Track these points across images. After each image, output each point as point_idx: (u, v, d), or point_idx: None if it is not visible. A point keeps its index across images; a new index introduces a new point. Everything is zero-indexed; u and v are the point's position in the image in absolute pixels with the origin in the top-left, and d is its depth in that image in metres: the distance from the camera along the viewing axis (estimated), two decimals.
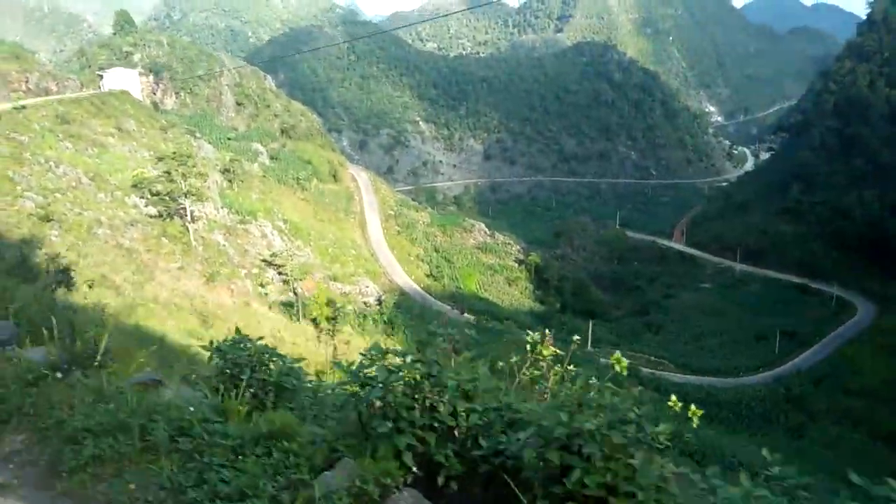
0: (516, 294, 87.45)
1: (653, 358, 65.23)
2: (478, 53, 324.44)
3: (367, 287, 64.52)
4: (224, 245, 58.99)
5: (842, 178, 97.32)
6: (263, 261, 60.39)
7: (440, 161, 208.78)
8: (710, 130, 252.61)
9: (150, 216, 54.63)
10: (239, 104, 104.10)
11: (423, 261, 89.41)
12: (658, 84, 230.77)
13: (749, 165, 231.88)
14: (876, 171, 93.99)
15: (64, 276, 21.02)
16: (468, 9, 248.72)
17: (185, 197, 53.70)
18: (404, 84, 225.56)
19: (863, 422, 48.13)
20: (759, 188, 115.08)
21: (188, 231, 55.52)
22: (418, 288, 78.26)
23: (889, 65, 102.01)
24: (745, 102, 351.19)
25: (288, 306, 50.95)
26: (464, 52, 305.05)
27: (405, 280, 79.17)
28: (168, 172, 53.76)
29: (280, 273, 58.92)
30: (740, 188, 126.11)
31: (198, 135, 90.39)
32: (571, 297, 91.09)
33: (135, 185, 55.44)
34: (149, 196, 55.24)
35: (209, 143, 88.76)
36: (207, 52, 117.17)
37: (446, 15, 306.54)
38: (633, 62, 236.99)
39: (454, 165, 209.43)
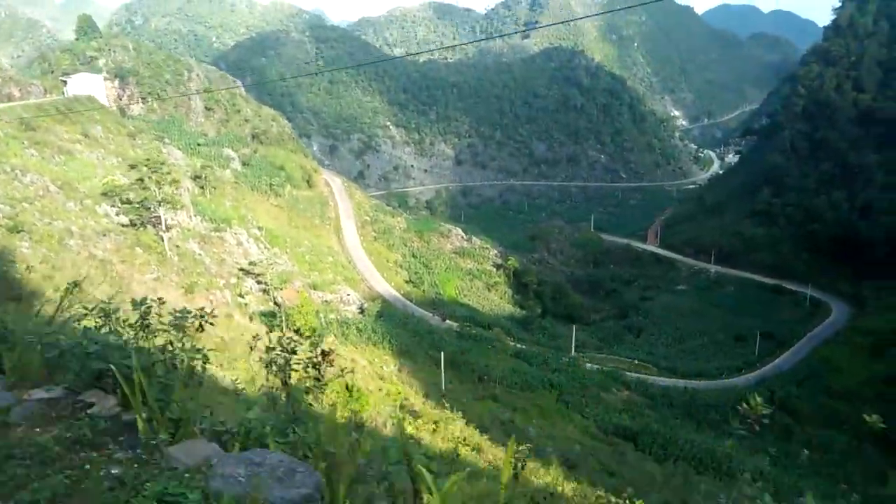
0: (496, 299, 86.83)
1: (636, 361, 65.09)
2: (446, 59, 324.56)
3: (349, 295, 63.18)
4: (200, 254, 57.12)
5: (811, 180, 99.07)
6: (241, 270, 58.65)
7: (411, 166, 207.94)
8: (677, 134, 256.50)
9: (122, 225, 52.64)
10: (208, 109, 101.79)
11: (401, 267, 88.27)
12: (625, 89, 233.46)
13: (715, 168, 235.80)
14: (844, 174, 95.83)
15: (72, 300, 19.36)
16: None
17: (160, 205, 51.86)
18: (374, 89, 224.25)
19: (847, 423, 48.40)
20: (730, 191, 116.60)
21: (162, 240, 53.65)
22: (398, 295, 77.08)
23: (855, 69, 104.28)
24: (709, 107, 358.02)
25: (269, 316, 49.35)
26: (431, 58, 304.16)
27: (385, 287, 77.92)
28: (141, 180, 51.91)
29: (259, 282, 57.26)
30: (711, 191, 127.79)
31: (167, 141, 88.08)
32: (551, 302, 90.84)
33: (105, 194, 53.40)
34: (119, 204, 53.32)
35: (179, 149, 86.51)
36: (175, 56, 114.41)
37: None
38: (600, 67, 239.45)
39: (425, 170, 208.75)
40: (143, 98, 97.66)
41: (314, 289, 61.74)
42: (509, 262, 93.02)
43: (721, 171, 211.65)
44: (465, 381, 49.14)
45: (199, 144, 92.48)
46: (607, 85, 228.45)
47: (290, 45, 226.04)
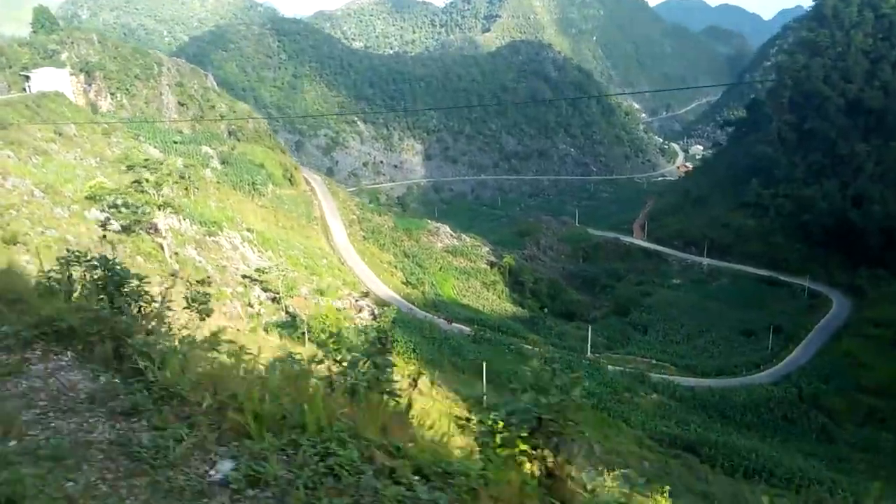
0: (493, 298, 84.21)
1: (654, 361, 63.32)
2: (406, 53, 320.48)
3: (358, 301, 59.59)
4: (200, 261, 52.79)
5: (801, 170, 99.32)
6: (246, 277, 54.58)
7: (381, 162, 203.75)
8: (641, 127, 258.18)
9: (115, 231, 48.17)
10: (181, 105, 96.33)
11: (396, 267, 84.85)
12: (592, 82, 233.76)
13: (680, 160, 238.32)
14: (834, 164, 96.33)
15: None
16: None
17: (160, 209, 47.47)
18: (339, 83, 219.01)
19: (888, 421, 47.41)
20: (715, 183, 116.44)
21: (162, 248, 49.30)
22: (399, 297, 73.67)
23: (842, 59, 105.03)
24: (666, 100, 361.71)
25: (287, 328, 45.55)
26: (390, 52, 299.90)
27: (384, 290, 74.40)
28: (138, 182, 47.42)
29: (266, 290, 53.28)
30: (694, 183, 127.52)
31: (141, 139, 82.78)
32: (548, 300, 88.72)
33: (91, 198, 48.74)
34: (108, 209, 48.76)
35: (155, 147, 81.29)
36: (142, 50, 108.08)
37: None
38: (567, 60, 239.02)
39: (395, 166, 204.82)
40: (111, 93, 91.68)
41: (321, 295, 57.97)
42: (505, 260, 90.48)
43: (698, 163, 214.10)
44: (499, 392, 46.32)
45: (175, 142, 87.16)
46: (575, 78, 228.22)
47: (251, 39, 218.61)
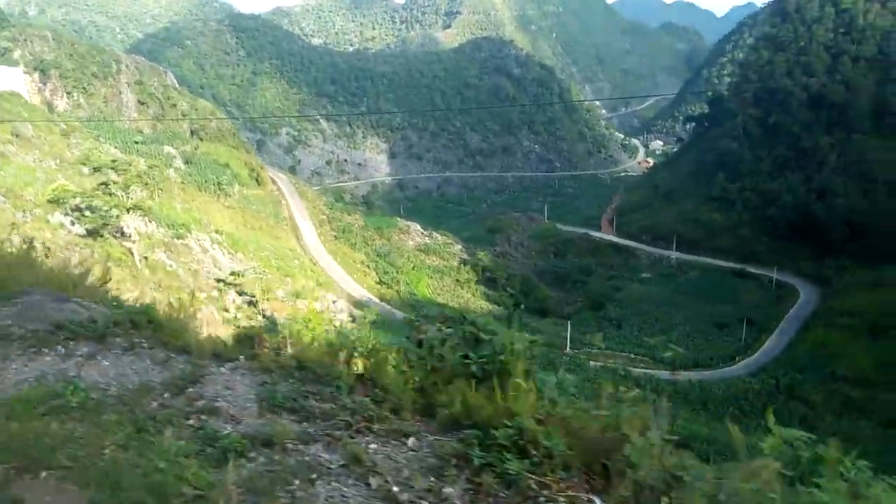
0: (468, 296, 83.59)
1: (632, 356, 63.51)
2: (367, 50, 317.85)
3: (335, 303, 58.29)
4: (171, 265, 50.84)
5: (766, 164, 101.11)
6: (220, 281, 52.69)
7: (344, 160, 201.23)
8: (602, 123, 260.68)
9: (80, 236, 46.07)
10: (141, 103, 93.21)
11: (369, 267, 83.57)
12: (555, 78, 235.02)
13: (641, 155, 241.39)
14: (798, 157, 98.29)
15: None
16: None
17: (129, 212, 45.46)
18: (300, 81, 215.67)
19: (866, 410, 48.23)
20: (682, 178, 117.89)
21: (132, 253, 47.26)
22: (374, 297, 72.58)
23: (805, 54, 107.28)
24: (624, 95, 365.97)
25: (268, 332, 43.96)
26: (350, 49, 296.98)
27: (358, 290, 73.21)
28: (105, 184, 45.40)
29: (241, 293, 51.56)
30: (661, 178, 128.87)
31: (101, 139, 79.80)
32: (521, 296, 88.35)
33: (54, 201, 46.53)
34: (71, 212, 46.70)
35: (115, 147, 78.45)
36: (100, 47, 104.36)
37: None
38: (530, 57, 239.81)
39: (359, 164, 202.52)
40: (67, 93, 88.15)
41: (297, 297, 56.46)
42: (478, 257, 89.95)
43: (660, 158, 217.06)
44: None
45: (136, 142, 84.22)
46: (537, 75, 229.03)
47: (208, 36, 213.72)
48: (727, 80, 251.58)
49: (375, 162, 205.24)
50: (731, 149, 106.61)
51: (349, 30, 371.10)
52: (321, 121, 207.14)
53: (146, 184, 45.45)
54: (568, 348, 63.85)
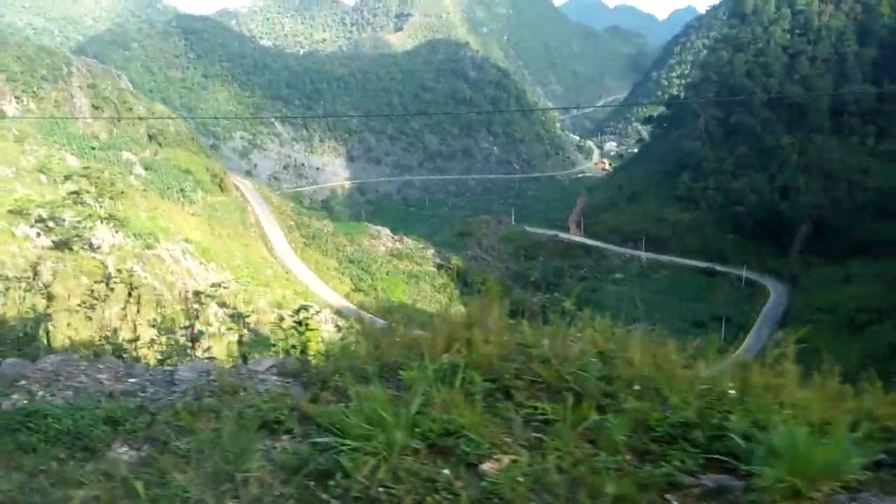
0: (446, 302, 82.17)
1: None
2: (318, 52, 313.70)
3: (319, 313, 56.02)
4: (146, 278, 47.93)
5: (729, 164, 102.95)
6: (198, 293, 49.95)
7: (302, 164, 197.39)
8: (557, 124, 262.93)
9: (48, 248, 43.02)
10: (95, 108, 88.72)
11: (343, 274, 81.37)
12: (511, 81, 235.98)
13: (596, 157, 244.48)
14: (760, 156, 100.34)
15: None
16: None
17: (104, 223, 42.59)
18: (253, 83, 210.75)
19: None
20: (645, 178, 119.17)
21: (106, 265, 44.26)
22: (352, 306, 70.48)
23: (763, 54, 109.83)
24: (576, 98, 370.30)
25: (258, 346, 41.74)
26: (301, 51, 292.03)
27: (335, 298, 71.02)
28: (77, 193, 42.44)
29: (222, 306, 48.95)
30: (626, 178, 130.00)
31: (56, 145, 75.47)
32: (497, 301, 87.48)
33: (15, 211, 43.37)
34: (35, 223, 43.62)
35: (72, 154, 74.32)
36: (49, 49, 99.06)
37: None
38: (486, 59, 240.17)
39: (317, 168, 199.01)
40: (15, 97, 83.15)
41: (279, 308, 54.13)
42: (453, 262, 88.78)
43: (617, 160, 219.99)
44: None
45: (93, 148, 79.91)
46: (494, 77, 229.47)
47: (155, 38, 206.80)
48: (677, 81, 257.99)
49: (334, 166, 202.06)
50: (694, 149, 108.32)
51: (298, 32, 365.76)
52: (276, 124, 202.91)
53: (122, 192, 42.61)
54: None
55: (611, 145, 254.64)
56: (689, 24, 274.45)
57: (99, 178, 41.46)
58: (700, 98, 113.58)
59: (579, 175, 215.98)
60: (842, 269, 79.88)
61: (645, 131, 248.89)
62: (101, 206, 43.16)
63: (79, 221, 41.03)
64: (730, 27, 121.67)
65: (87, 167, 42.40)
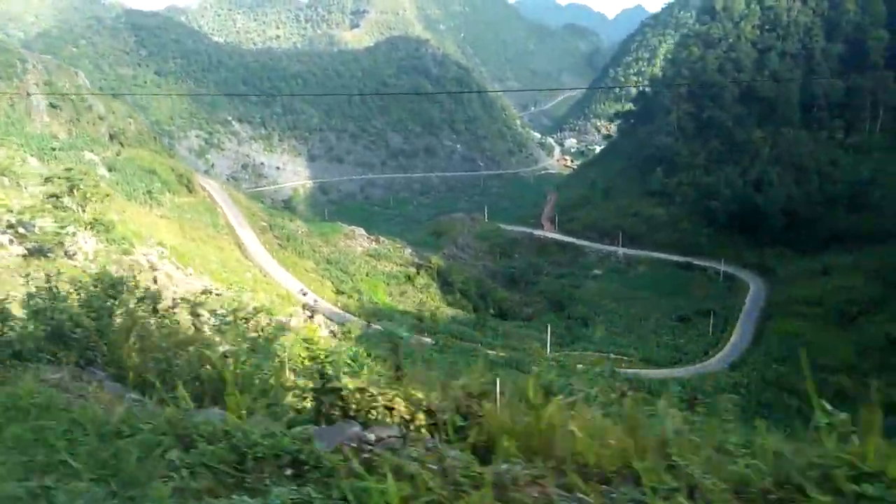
0: (429, 302, 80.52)
1: (612, 356, 62.55)
2: (274, 49, 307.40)
3: (312, 317, 53.72)
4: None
5: (701, 158, 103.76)
6: (184, 300, 47.10)
7: (261, 163, 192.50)
8: (518, 122, 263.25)
9: (21, 256, 39.87)
10: (53, 107, 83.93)
11: (322, 276, 78.81)
12: (472, 78, 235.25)
13: (558, 153, 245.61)
14: (732, 150, 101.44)
15: None
16: None
17: (87, 229, 39.57)
18: (208, 80, 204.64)
19: (860, 399, 48.77)
20: (617, 174, 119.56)
21: (88, 273, 41.22)
22: (336, 309, 68.23)
23: (734, 50, 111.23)
24: (534, 95, 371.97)
25: (259, 355, 39.35)
26: (268, 46, 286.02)
27: (319, 302, 68.51)
28: (56, 196, 39.34)
29: (214, 313, 46.29)
30: (593, 175, 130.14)
31: (14, 146, 70.91)
32: (479, 300, 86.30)
33: None
34: (6, 229, 40.43)
35: (31, 155, 70.00)
36: (1, 43, 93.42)
37: None
38: (447, 56, 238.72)
39: (277, 167, 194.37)
40: None
41: (270, 314, 51.63)
42: (433, 262, 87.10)
43: (582, 156, 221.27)
44: None
45: (53, 149, 75.45)
46: (455, 74, 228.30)
47: (104, 34, 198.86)
48: (634, 78, 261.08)
49: (294, 165, 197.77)
50: (667, 144, 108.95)
51: (251, 29, 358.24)
52: (234, 122, 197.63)
53: (107, 195, 39.68)
54: (548, 352, 62.11)
55: (571, 142, 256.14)
56: (645, 23, 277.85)
57: (81, 180, 38.35)
58: (671, 93, 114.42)
59: (542, 172, 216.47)
60: (818, 261, 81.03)
61: (605, 128, 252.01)
62: (83, 210, 40.13)
63: (61, 227, 38.01)
64: (700, 23, 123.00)
65: (70, 168, 39.22)
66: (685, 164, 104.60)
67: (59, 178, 38.01)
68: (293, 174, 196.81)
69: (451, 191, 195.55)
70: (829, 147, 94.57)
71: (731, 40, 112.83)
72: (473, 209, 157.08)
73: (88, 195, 38.84)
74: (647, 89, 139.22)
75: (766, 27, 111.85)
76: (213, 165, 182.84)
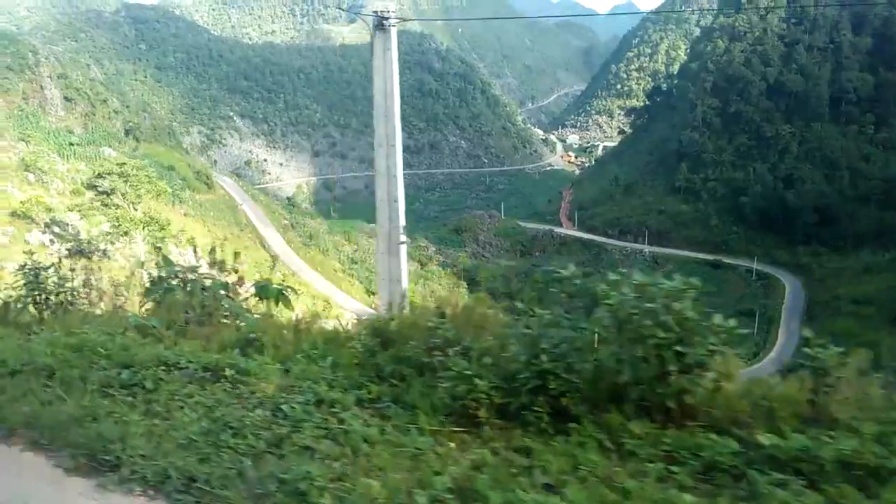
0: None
1: None
2: (271, 44, 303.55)
3: (364, 319, 51.38)
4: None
5: (729, 154, 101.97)
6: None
7: (265, 160, 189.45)
8: (520, 118, 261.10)
9: (65, 258, 37.10)
10: (68, 100, 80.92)
11: (351, 276, 76.42)
12: (476, 73, 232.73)
13: (560, 150, 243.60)
14: (760, 146, 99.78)
15: None
16: None
17: (140, 228, 37.02)
18: (209, 75, 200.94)
19: None
20: (637, 169, 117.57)
21: (136, 273, 38.68)
22: (372, 311, 65.84)
23: (761, 43, 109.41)
24: (530, 92, 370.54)
25: None
26: (269, 40, 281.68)
27: (353, 303, 66.23)
28: (107, 194, 36.75)
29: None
30: (612, 171, 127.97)
31: (30, 141, 68.06)
32: (505, 298, 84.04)
33: (20, 215, 37.64)
34: (47, 229, 38.03)
35: (51, 151, 67.14)
36: (11, 36, 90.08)
37: None
38: (450, 51, 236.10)
39: (281, 164, 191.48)
40: None
41: (320, 316, 49.27)
42: (461, 261, 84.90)
43: (578, 153, 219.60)
44: None
45: (71, 144, 72.52)
46: (459, 69, 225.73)
47: (103, 27, 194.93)
48: (636, 74, 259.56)
49: (298, 161, 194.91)
50: (692, 139, 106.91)
51: (246, 23, 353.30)
52: (236, 118, 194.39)
53: (162, 192, 37.14)
54: None
55: (574, 139, 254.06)
56: (646, 18, 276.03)
57: (136, 175, 35.78)
58: (694, 86, 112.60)
59: (548, 168, 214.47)
60: (854, 259, 79.56)
61: (608, 124, 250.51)
62: (134, 208, 37.56)
63: (116, 226, 35.46)
64: (725, 16, 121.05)
65: (123, 163, 36.52)
66: (711, 160, 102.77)
67: (110, 173, 35.29)
68: (296, 170, 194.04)
69: (456, 187, 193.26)
70: (859, 142, 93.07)
71: (756, 34, 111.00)
72: (482, 206, 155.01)
73: (141, 192, 36.18)
74: (663, 85, 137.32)
75: (793, 20, 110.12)
76: (215, 162, 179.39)
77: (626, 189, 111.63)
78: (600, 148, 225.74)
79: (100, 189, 35.38)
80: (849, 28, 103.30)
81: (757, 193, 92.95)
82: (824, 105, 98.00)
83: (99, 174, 36.12)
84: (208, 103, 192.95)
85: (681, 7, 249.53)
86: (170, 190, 41.05)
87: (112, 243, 37.12)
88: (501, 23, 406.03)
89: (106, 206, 35.42)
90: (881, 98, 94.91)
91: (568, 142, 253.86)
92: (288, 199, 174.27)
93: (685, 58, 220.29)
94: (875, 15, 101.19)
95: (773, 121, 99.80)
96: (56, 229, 38.59)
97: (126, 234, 35.04)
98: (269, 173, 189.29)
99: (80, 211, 35.53)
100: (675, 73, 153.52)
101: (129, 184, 35.43)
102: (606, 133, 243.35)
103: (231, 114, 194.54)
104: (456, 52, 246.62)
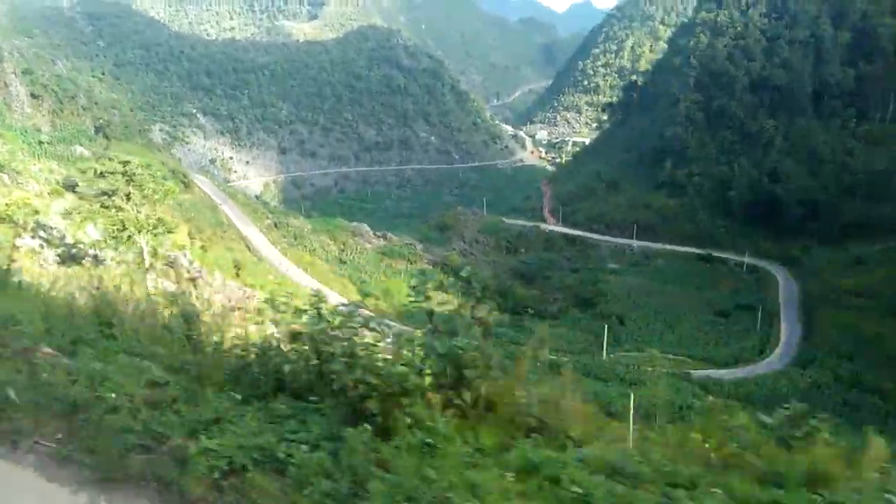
0: (456, 302, 75.87)
1: (671, 356, 59.47)
2: (237, 40, 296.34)
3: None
4: (187, 293, 39.35)
5: (712, 149, 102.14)
6: (233, 309, 41.71)
7: (230, 158, 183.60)
8: (488, 114, 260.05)
9: (58, 264, 34.20)
10: (34, 97, 76.11)
11: (342, 277, 73.56)
12: (445, 69, 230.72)
13: (530, 146, 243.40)
14: (744, 141, 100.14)
15: None
16: None
17: (149, 232, 33.84)
18: (170, 72, 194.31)
19: None
20: (619, 165, 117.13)
21: (154, 283, 35.60)
22: (369, 313, 63.17)
23: (743, 38, 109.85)
24: (495, 88, 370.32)
25: None
26: (232, 36, 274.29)
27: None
28: (108, 195, 33.55)
29: (276, 324, 41.03)
30: (591, 166, 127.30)
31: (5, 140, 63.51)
32: (499, 297, 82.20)
33: (4, 218, 34.16)
34: (35, 233, 34.75)
35: (21, 150, 62.69)
36: None
37: None
38: (418, 47, 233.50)
39: (247, 162, 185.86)
40: None
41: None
42: (451, 259, 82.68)
43: (548, 148, 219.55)
44: None
45: (41, 143, 67.94)
46: (427, 65, 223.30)
47: (59, 23, 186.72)
48: (602, 70, 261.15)
49: (265, 159, 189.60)
50: (675, 134, 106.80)
51: (204, 19, 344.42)
52: (199, 116, 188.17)
53: (170, 191, 34.14)
54: (604, 353, 58.72)
55: (542, 134, 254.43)
56: (611, 14, 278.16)
57: (141, 175, 32.68)
58: (676, 82, 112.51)
59: (519, 164, 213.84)
60: (843, 252, 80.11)
61: (575, 120, 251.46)
62: (138, 211, 34.37)
63: (121, 229, 32.34)
64: (706, 10, 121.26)
65: (128, 161, 33.31)
66: (695, 155, 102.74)
67: (117, 172, 32.10)
68: (263, 168, 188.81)
69: (427, 184, 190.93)
70: (842, 136, 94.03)
71: (738, 28, 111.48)
72: (456, 203, 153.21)
73: (147, 192, 33.10)
74: (638, 81, 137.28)
75: (774, 15, 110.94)
76: (179, 160, 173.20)
77: (609, 184, 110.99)
78: (570, 144, 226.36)
79: (101, 190, 32.05)
80: (828, 22, 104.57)
81: (743, 187, 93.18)
82: (807, 99, 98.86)
83: (101, 173, 32.73)
84: (170, 100, 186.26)
85: (645, 5, 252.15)
86: (177, 190, 37.78)
87: (115, 248, 34.04)
88: (465, 19, 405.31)
89: (106, 207, 32.03)
90: (861, 92, 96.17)
91: (537, 137, 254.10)
92: (256, 197, 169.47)
93: (651, 55, 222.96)
94: (854, 10, 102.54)
95: (758, 116, 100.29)
96: (42, 234, 35.43)
97: (129, 238, 31.76)
98: (236, 171, 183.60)
99: (79, 214, 32.21)
100: (650, 69, 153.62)
101: (132, 184, 32.12)
102: (575, 129, 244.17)
103: (194, 111, 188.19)
104: (423, 49, 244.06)
